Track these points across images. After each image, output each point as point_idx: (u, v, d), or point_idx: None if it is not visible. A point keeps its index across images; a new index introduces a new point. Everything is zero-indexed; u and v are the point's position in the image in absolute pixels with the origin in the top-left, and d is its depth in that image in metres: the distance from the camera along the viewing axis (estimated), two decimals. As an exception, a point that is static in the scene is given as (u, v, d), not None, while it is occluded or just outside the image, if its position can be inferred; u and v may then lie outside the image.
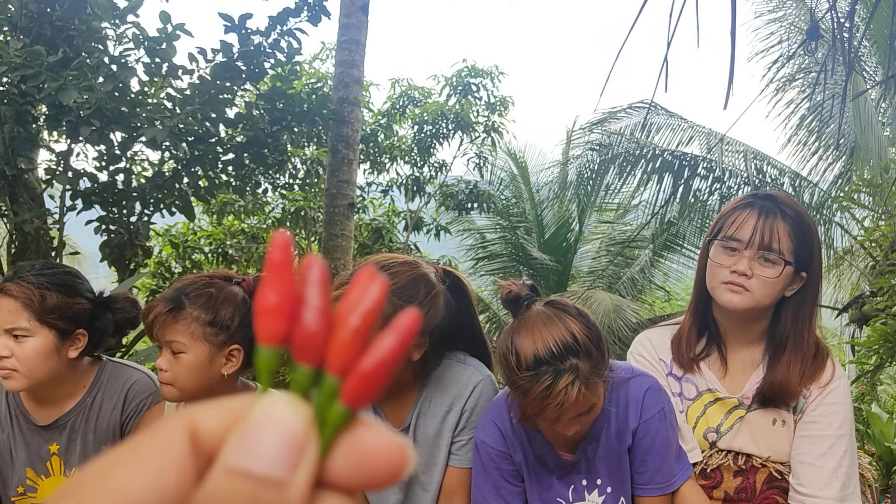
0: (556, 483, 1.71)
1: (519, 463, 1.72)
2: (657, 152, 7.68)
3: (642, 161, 7.66)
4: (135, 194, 4.40)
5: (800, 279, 1.71)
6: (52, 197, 4.61)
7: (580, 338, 1.49)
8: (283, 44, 4.60)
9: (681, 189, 7.52)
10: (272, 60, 4.60)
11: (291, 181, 7.29)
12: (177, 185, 4.48)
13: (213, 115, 4.39)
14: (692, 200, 7.56)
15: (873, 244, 6.29)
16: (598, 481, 1.70)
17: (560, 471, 1.71)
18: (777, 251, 1.66)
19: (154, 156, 4.87)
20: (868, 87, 7.11)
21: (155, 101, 4.47)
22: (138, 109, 4.12)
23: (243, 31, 4.45)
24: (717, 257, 1.72)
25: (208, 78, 4.38)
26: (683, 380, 1.80)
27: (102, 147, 4.28)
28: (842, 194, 7.16)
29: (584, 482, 1.70)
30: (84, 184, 4.34)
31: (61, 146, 4.56)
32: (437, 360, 1.79)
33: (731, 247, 1.70)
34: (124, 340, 4.09)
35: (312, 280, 0.30)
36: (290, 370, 0.30)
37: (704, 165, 7.49)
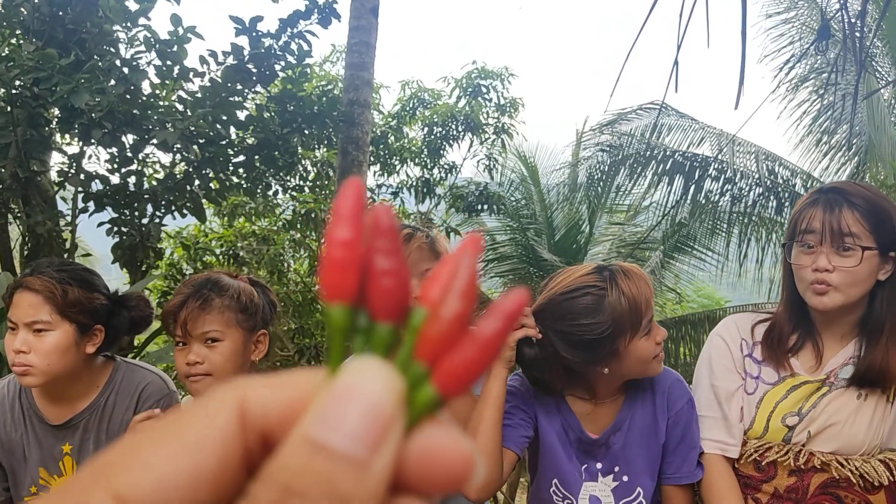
0: (572, 457, 1.73)
1: (543, 424, 1.76)
2: (668, 153, 7.66)
3: (653, 162, 7.64)
4: (146, 196, 4.42)
5: (891, 260, 1.68)
6: (64, 199, 4.64)
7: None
8: (294, 46, 4.62)
9: (692, 190, 7.49)
10: (282, 63, 4.62)
11: (302, 183, 7.30)
12: (188, 188, 4.50)
13: (224, 118, 4.40)
14: (703, 202, 7.53)
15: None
16: (616, 468, 1.72)
17: (579, 447, 1.74)
18: (851, 237, 1.64)
19: (165, 158, 4.89)
20: (880, 86, 7.07)
21: (166, 103, 4.49)
22: (150, 112, 4.14)
23: (254, 34, 4.46)
24: (798, 259, 1.72)
25: (219, 80, 4.40)
26: (764, 363, 1.79)
27: (114, 149, 4.30)
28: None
29: (600, 465, 1.73)
30: (96, 186, 4.36)
31: (73, 149, 4.59)
32: None
33: (808, 244, 1.70)
34: (136, 341, 4.11)
35: (384, 228, 0.27)
36: (358, 334, 0.27)
37: (715, 166, 7.45)
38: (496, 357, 0.26)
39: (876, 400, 1.68)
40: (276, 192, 5.95)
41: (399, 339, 0.27)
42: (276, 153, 4.77)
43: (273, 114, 4.86)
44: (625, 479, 1.71)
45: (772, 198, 7.33)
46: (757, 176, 7.36)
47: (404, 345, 0.27)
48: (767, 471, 1.70)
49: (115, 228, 4.36)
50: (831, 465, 1.65)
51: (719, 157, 7.53)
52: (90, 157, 4.54)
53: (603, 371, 1.66)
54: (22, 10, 4.13)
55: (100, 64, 4.01)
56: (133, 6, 4.29)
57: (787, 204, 7.32)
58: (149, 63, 4.35)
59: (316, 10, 4.64)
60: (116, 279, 6.01)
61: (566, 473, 1.73)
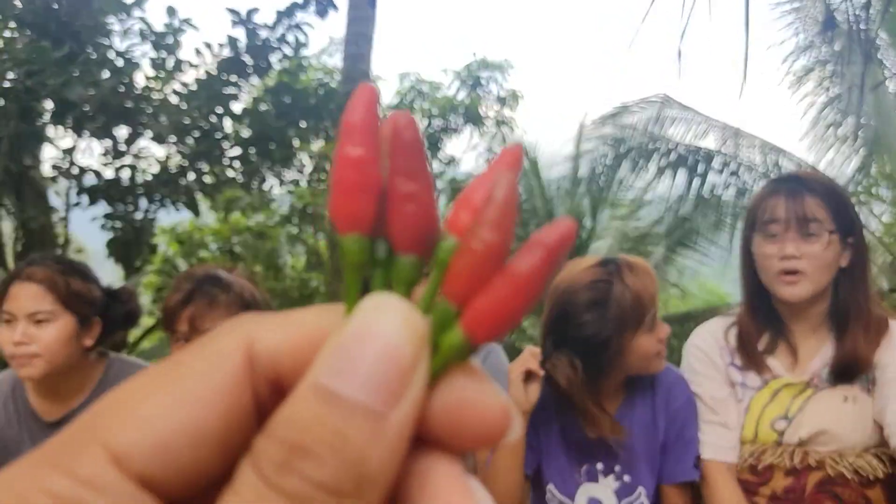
0: (572, 458, 1.72)
1: (541, 428, 1.74)
2: (671, 146, 7.61)
3: (656, 155, 7.59)
4: (140, 190, 4.39)
5: (849, 247, 1.68)
6: (57, 193, 4.62)
7: None
8: (290, 38, 4.59)
9: (695, 184, 7.44)
10: (279, 55, 4.59)
11: (298, 177, 7.26)
12: (182, 182, 4.47)
13: (220, 110, 4.38)
14: (707, 195, 7.48)
15: (892, 240, 6.20)
16: (617, 468, 1.70)
17: (579, 447, 1.72)
18: (816, 222, 1.64)
19: (160, 151, 4.85)
20: (886, 77, 7.02)
21: (161, 96, 4.44)
22: (144, 105, 4.11)
23: (250, 26, 4.43)
24: (762, 248, 1.69)
25: (214, 72, 4.37)
26: (744, 369, 1.75)
27: (108, 142, 4.26)
28: (860, 188, 7.07)
29: (600, 466, 1.71)
30: (89, 180, 4.33)
31: (66, 142, 4.55)
32: None
33: (771, 233, 1.67)
34: (130, 338, 4.07)
35: (406, 143, 0.23)
36: (378, 268, 0.24)
37: (719, 159, 7.40)
38: (535, 298, 0.22)
39: (862, 400, 1.66)
40: (271, 186, 5.91)
41: (424, 272, 0.24)
42: (273, 146, 4.72)
43: (269, 106, 4.81)
44: (626, 478, 1.69)
45: (776, 191, 7.28)
46: (762, 169, 7.30)
47: (430, 280, 0.23)
48: (764, 474, 1.68)
49: (109, 223, 4.33)
50: (825, 462, 1.63)
51: (723, 149, 7.48)
52: (84, 150, 4.49)
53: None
54: (15, 1, 4.09)
55: (93, 56, 3.97)
56: (127, -2, 4.25)
57: (791, 197, 7.28)
58: (143, 55, 4.31)
59: (313, 2, 4.60)
60: (110, 274, 5.98)
61: (563, 477, 1.71)
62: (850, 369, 1.66)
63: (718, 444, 1.70)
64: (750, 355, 1.73)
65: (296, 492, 0.20)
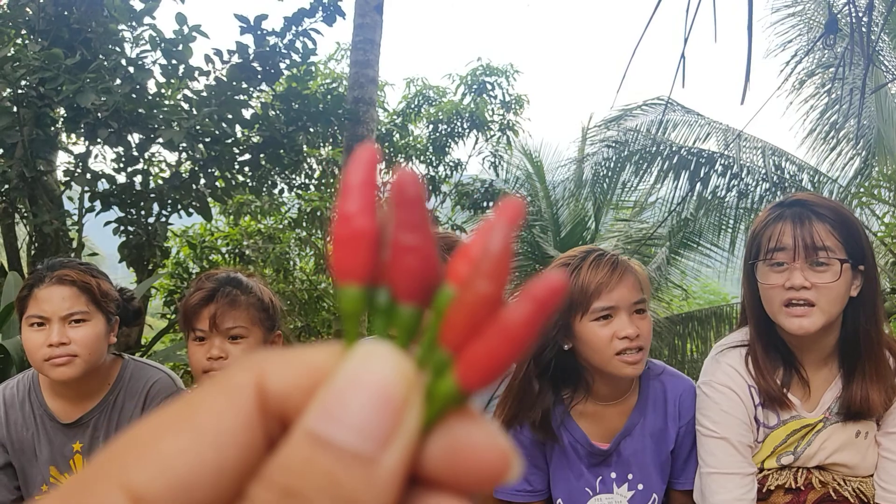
0: (585, 472, 1.70)
1: (551, 446, 1.72)
2: (674, 149, 7.63)
3: (658, 158, 7.62)
4: (152, 195, 4.43)
5: (859, 274, 1.58)
6: (70, 198, 4.66)
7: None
8: (299, 44, 4.62)
9: (698, 186, 7.47)
10: (287, 61, 4.63)
11: (307, 181, 7.31)
12: (194, 186, 4.51)
13: (230, 116, 4.41)
14: (709, 198, 7.51)
15: (894, 240, 6.22)
16: (630, 476, 1.69)
17: (591, 460, 1.70)
18: (826, 251, 1.53)
19: (171, 157, 4.91)
20: (888, 80, 7.04)
21: (172, 102, 4.50)
22: (155, 111, 4.15)
23: (259, 32, 4.47)
24: (767, 278, 1.58)
25: (224, 79, 4.41)
26: (764, 406, 1.65)
27: (120, 149, 4.31)
28: (862, 190, 7.09)
29: (614, 475, 1.70)
30: (102, 185, 4.38)
31: (80, 148, 4.60)
32: None
33: (778, 262, 1.56)
34: (143, 340, 4.13)
35: (409, 200, 0.24)
36: (379, 315, 0.25)
37: (722, 162, 7.43)
38: (525, 349, 0.23)
39: (874, 433, 1.63)
40: (281, 191, 5.96)
41: (424, 321, 0.24)
42: (282, 151, 4.77)
43: (278, 112, 4.86)
44: (640, 487, 1.69)
45: (779, 193, 7.30)
46: (763, 171, 7.33)
47: (429, 328, 0.24)
48: (765, 496, 1.65)
49: (122, 227, 4.38)
50: (829, 485, 1.61)
51: (725, 152, 7.51)
52: (96, 156, 4.55)
53: (565, 348, 1.62)
54: (27, 9, 4.15)
55: (105, 63, 4.02)
56: (138, 5, 4.30)
57: (793, 199, 7.29)
58: (154, 62, 4.36)
59: (321, 8, 4.65)
60: (123, 278, 6.04)
61: (572, 492, 1.71)
62: (857, 414, 1.59)
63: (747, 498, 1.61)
64: (772, 395, 1.62)
65: None
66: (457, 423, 0.23)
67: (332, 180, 7.63)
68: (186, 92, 4.55)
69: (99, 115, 3.93)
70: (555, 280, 0.23)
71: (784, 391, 1.62)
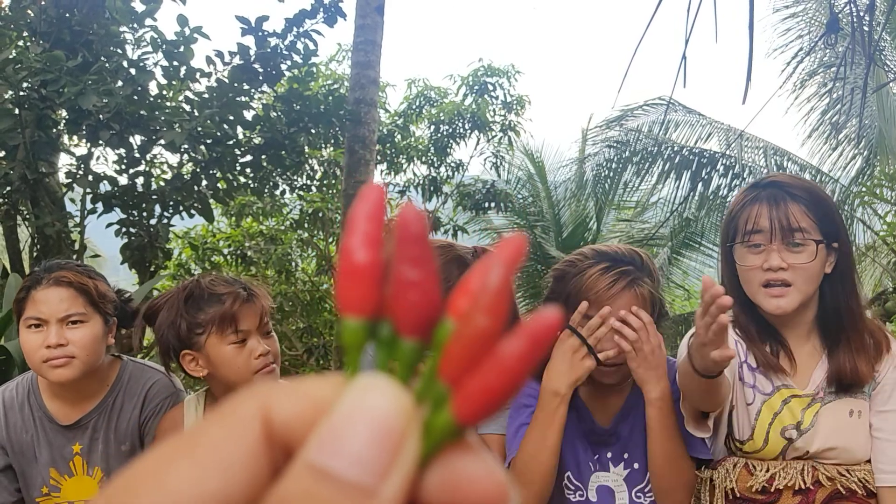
0: (582, 447, 1.74)
1: None
2: (675, 149, 7.64)
3: (660, 158, 7.62)
4: (154, 197, 4.44)
5: (834, 252, 1.62)
6: (72, 200, 4.66)
7: (646, 260, 1.68)
8: (300, 45, 4.63)
9: (700, 186, 7.47)
10: (289, 62, 4.63)
11: (309, 182, 7.31)
12: (196, 188, 4.51)
13: (231, 118, 4.42)
14: (711, 197, 7.51)
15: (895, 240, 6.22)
16: (626, 455, 1.72)
17: (590, 437, 1.74)
18: (802, 232, 1.56)
19: (173, 158, 4.91)
20: (889, 79, 7.03)
21: (173, 104, 4.50)
22: (157, 113, 4.15)
23: (260, 34, 4.48)
24: (745, 260, 1.61)
25: (226, 80, 4.41)
26: (758, 371, 1.66)
27: (122, 150, 4.32)
28: (864, 189, 7.09)
29: (610, 455, 1.73)
30: (104, 187, 4.38)
31: (81, 150, 4.61)
32: None
33: (755, 244, 1.59)
34: (144, 342, 4.13)
35: (413, 236, 0.25)
36: (381, 347, 0.25)
37: (723, 162, 7.43)
38: (520, 384, 0.24)
39: (867, 414, 1.63)
40: (283, 192, 5.97)
41: (425, 355, 0.25)
42: (283, 153, 4.78)
43: (280, 113, 4.87)
44: (636, 466, 1.71)
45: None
46: (765, 171, 7.33)
47: (429, 362, 0.25)
48: (773, 494, 1.64)
49: (124, 229, 4.39)
50: (835, 479, 1.60)
51: (727, 152, 7.50)
52: (98, 158, 4.56)
53: None
54: (29, 12, 4.15)
55: (107, 65, 4.03)
56: (139, 7, 4.31)
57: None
58: (156, 64, 4.36)
59: (322, 9, 4.65)
60: (125, 280, 6.04)
61: (579, 465, 1.73)
62: (848, 385, 1.61)
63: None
64: (765, 359, 1.64)
65: None
66: (454, 455, 0.24)
67: (333, 181, 7.63)
68: (188, 93, 4.55)
69: (101, 116, 3.94)
70: (550, 316, 0.23)
71: (777, 359, 1.65)
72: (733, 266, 1.66)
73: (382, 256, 0.25)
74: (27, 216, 4.29)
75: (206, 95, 4.43)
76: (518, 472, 1.63)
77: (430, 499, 0.23)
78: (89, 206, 4.34)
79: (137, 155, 4.38)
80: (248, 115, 4.67)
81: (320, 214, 7.35)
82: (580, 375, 1.59)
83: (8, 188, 3.96)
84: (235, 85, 4.41)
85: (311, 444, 0.22)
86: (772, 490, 1.62)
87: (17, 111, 3.86)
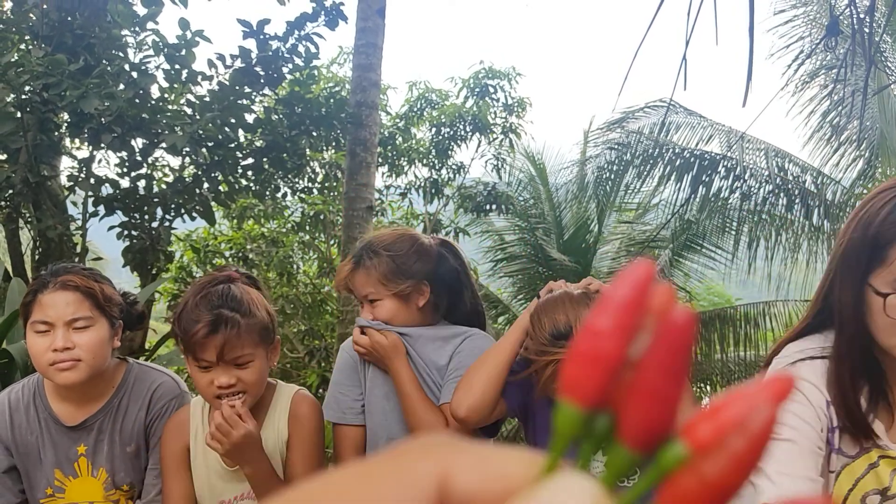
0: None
1: (536, 405, 1.80)
2: (676, 151, 7.64)
3: (661, 160, 7.62)
4: (156, 200, 4.44)
5: None
6: (74, 203, 4.67)
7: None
8: (301, 48, 4.63)
9: (701, 188, 7.47)
10: (290, 65, 4.63)
11: (310, 185, 7.32)
12: (197, 191, 4.52)
13: (233, 121, 4.42)
14: (712, 199, 7.51)
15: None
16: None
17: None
18: None
19: (175, 161, 4.92)
20: (890, 82, 7.04)
21: (175, 107, 4.51)
22: (159, 116, 4.16)
23: (261, 37, 4.48)
24: (886, 290, 1.25)
25: (227, 83, 4.42)
26: (843, 432, 1.39)
27: (124, 153, 4.33)
28: (865, 191, 7.08)
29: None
30: (106, 190, 4.39)
31: (83, 153, 4.62)
32: (439, 313, 1.97)
33: None
34: (147, 344, 4.14)
35: (677, 343, 0.22)
36: (591, 439, 0.23)
37: (724, 164, 7.43)
38: None
39: None
40: (284, 195, 5.98)
41: (638, 467, 0.22)
42: (285, 155, 4.78)
43: (281, 116, 4.88)
44: None
45: (781, 195, 7.31)
46: (767, 173, 7.33)
47: (642, 479, 0.22)
48: None
49: (126, 232, 4.39)
50: None
51: (728, 154, 7.51)
52: (100, 161, 4.58)
53: None
54: (31, 15, 4.16)
55: (108, 68, 4.04)
56: (141, 11, 4.32)
57: (796, 201, 7.30)
58: (157, 67, 4.37)
59: (323, 13, 4.66)
60: (127, 282, 6.05)
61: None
62: None
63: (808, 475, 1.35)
64: (855, 418, 1.35)
65: None
66: None
67: (334, 184, 7.64)
68: (189, 96, 4.56)
69: (102, 120, 3.95)
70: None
71: (869, 417, 1.38)
72: (863, 295, 1.31)
73: (624, 348, 0.22)
74: (29, 219, 4.30)
75: (207, 98, 4.44)
76: (463, 380, 1.78)
77: None
78: (91, 209, 4.35)
79: (139, 158, 4.38)
80: (250, 118, 4.68)
81: (322, 217, 7.36)
82: None
83: (10, 191, 3.97)
84: (237, 88, 4.41)
85: None
86: None
87: (18, 114, 3.87)
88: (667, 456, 0.22)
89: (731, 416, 0.21)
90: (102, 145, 4.12)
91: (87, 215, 4.39)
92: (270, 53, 4.49)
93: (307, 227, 7.67)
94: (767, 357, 1.52)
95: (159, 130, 4.16)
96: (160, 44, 4.32)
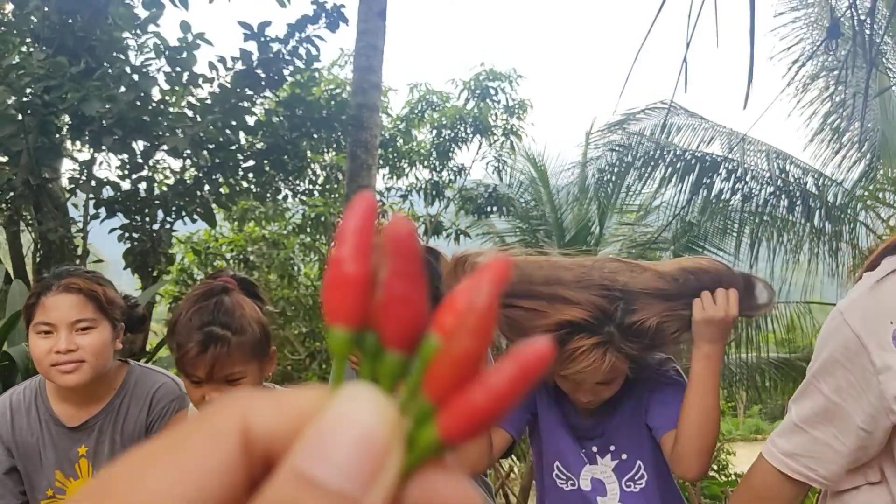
0: (569, 440, 1.76)
1: (543, 408, 1.78)
2: (677, 153, 7.63)
3: (662, 162, 7.61)
4: (157, 202, 4.45)
5: None
6: (75, 206, 4.67)
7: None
8: (302, 51, 4.64)
9: (702, 190, 7.46)
10: (291, 67, 4.64)
11: (311, 187, 7.33)
12: (198, 193, 4.52)
13: (234, 123, 4.43)
14: (714, 201, 7.50)
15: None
16: (612, 447, 1.73)
17: (575, 432, 1.76)
18: None
19: (176, 164, 4.92)
20: (891, 83, 7.04)
21: (176, 109, 4.52)
22: (160, 118, 4.17)
23: (262, 39, 4.49)
24: None
25: (228, 86, 4.42)
26: None
27: (125, 156, 4.33)
28: (866, 193, 7.08)
29: (595, 448, 1.74)
30: (107, 192, 4.39)
31: (84, 155, 4.63)
32: None
33: None
34: (148, 346, 4.14)
35: (404, 250, 0.25)
36: (366, 358, 0.25)
37: (726, 165, 7.42)
38: (506, 409, 0.24)
39: None
40: (285, 197, 5.98)
41: (409, 369, 0.25)
42: (286, 157, 4.79)
43: (282, 118, 4.88)
44: (623, 456, 1.73)
45: (783, 197, 7.30)
46: (768, 175, 7.32)
47: (413, 376, 0.25)
48: None
49: (127, 234, 4.40)
50: None
51: (729, 156, 7.50)
52: (101, 163, 4.58)
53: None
54: (32, 18, 4.17)
55: (110, 71, 4.04)
56: (142, 13, 4.33)
57: (798, 202, 7.29)
58: (158, 70, 4.38)
59: (324, 15, 4.67)
60: (128, 285, 6.05)
61: (567, 455, 1.75)
62: None
63: (792, 450, 1.37)
64: None
65: None
66: (434, 472, 0.24)
67: (335, 186, 7.64)
68: (190, 99, 4.57)
69: (103, 122, 3.95)
70: (541, 347, 0.24)
71: None
72: None
73: (371, 267, 0.25)
74: (30, 222, 4.30)
75: (208, 101, 4.44)
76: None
77: None
78: (92, 211, 4.36)
79: (140, 160, 4.39)
80: (251, 120, 4.68)
81: (322, 219, 7.36)
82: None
83: (11, 194, 3.98)
84: (238, 90, 4.42)
85: (295, 451, 0.22)
86: None
87: (20, 117, 3.88)
88: (424, 348, 0.25)
89: (463, 301, 0.24)
90: (103, 147, 4.13)
91: (88, 217, 4.40)
92: (271, 56, 4.50)
93: (308, 230, 7.67)
94: (860, 272, 1.40)
95: (160, 133, 4.17)
96: (161, 46, 4.33)
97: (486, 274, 0.25)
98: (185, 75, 4.42)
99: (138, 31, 4.37)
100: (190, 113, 4.46)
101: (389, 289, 0.25)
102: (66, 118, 4.18)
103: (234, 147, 4.53)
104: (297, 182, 5.88)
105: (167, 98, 4.63)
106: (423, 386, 0.24)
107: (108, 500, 0.22)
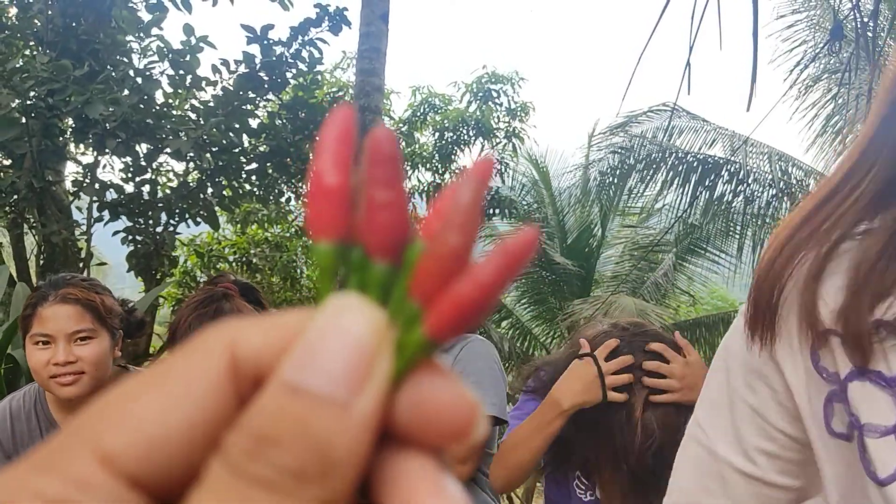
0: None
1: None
2: (680, 155, 7.63)
3: (664, 164, 7.61)
4: (160, 205, 4.45)
5: None
6: (79, 208, 4.68)
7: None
8: (305, 54, 4.65)
9: (704, 192, 7.46)
10: (294, 70, 4.65)
11: (314, 189, 7.32)
12: (201, 196, 4.53)
13: (237, 126, 4.43)
14: (716, 203, 7.50)
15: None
16: None
17: None
18: None
19: (179, 167, 4.93)
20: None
21: (179, 112, 4.52)
22: (163, 121, 4.17)
23: (265, 42, 4.50)
24: None
25: (231, 89, 4.43)
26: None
27: (128, 159, 4.34)
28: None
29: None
30: (111, 195, 4.40)
31: (88, 158, 4.63)
32: None
33: None
34: (151, 349, 4.14)
35: (383, 157, 0.24)
36: (353, 272, 0.25)
37: (728, 168, 7.42)
38: (493, 299, 0.23)
39: None
40: (288, 199, 5.98)
41: (396, 277, 0.24)
42: (289, 160, 4.79)
43: (285, 121, 4.89)
44: None
45: (785, 199, 7.30)
46: (770, 177, 7.32)
47: (399, 282, 0.24)
48: None
49: (130, 237, 4.40)
50: None
51: (732, 158, 7.50)
52: (105, 166, 4.58)
53: None
54: (36, 21, 4.18)
55: (113, 74, 4.05)
56: (146, 16, 4.34)
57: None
58: (162, 73, 4.39)
59: (326, 18, 4.67)
60: (131, 287, 6.06)
61: (588, 465, 1.70)
62: None
63: (706, 427, 1.41)
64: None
65: (261, 477, 0.21)
66: (426, 377, 0.23)
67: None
68: (194, 102, 4.58)
69: (107, 125, 3.96)
70: (527, 234, 0.23)
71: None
72: None
73: (353, 178, 0.24)
74: (34, 224, 4.31)
75: (211, 104, 4.45)
76: (498, 456, 1.69)
77: (402, 418, 0.23)
78: (96, 214, 4.36)
79: (143, 163, 4.40)
80: (254, 123, 4.69)
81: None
82: (587, 401, 1.58)
83: (15, 196, 3.98)
84: (241, 93, 4.43)
85: (284, 363, 0.22)
86: None
87: (24, 120, 3.88)
88: (410, 254, 0.24)
89: (447, 202, 0.24)
90: (107, 150, 4.13)
91: (92, 220, 4.41)
92: (274, 59, 4.50)
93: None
94: None
95: (164, 136, 4.18)
96: (164, 49, 4.34)
97: (470, 174, 0.24)
98: (189, 78, 4.42)
99: (142, 35, 4.38)
100: (193, 116, 4.47)
101: (370, 197, 0.24)
102: (70, 121, 4.19)
103: (237, 150, 4.54)
104: (300, 184, 5.88)
105: (170, 101, 4.64)
106: (410, 289, 0.24)
107: (92, 435, 0.22)
